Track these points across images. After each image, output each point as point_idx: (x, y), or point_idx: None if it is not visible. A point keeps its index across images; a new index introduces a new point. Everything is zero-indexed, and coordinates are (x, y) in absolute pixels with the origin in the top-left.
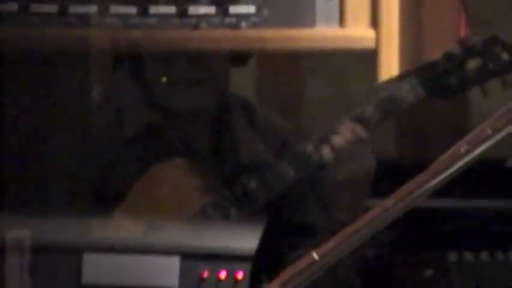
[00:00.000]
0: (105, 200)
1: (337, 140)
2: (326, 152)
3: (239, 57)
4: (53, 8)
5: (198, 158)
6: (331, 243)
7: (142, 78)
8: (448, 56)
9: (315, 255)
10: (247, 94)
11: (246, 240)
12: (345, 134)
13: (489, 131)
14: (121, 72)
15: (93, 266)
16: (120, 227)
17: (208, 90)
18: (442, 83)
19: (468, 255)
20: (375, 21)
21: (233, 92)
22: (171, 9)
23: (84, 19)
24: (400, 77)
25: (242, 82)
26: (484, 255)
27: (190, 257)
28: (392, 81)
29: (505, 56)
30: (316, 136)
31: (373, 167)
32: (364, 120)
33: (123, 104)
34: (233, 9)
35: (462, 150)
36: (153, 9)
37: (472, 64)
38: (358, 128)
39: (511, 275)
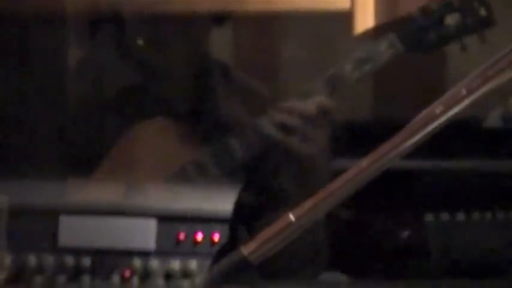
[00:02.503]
0: (84, 163)
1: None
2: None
3: (218, 19)
4: None
5: (177, 118)
6: (307, 204)
7: (123, 41)
8: (426, 12)
9: (291, 217)
10: (225, 56)
11: (223, 202)
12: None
13: (464, 92)
14: (101, 35)
15: (70, 228)
16: (98, 189)
17: (187, 51)
18: (420, 38)
19: (444, 216)
20: None
21: (211, 54)
22: None
23: None
24: (377, 33)
25: (219, 44)
26: (460, 215)
27: (166, 219)
28: (369, 38)
29: (482, 11)
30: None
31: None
32: (343, 78)
33: (103, 67)
34: None
35: (437, 111)
36: None
37: (451, 19)
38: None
39: (486, 234)
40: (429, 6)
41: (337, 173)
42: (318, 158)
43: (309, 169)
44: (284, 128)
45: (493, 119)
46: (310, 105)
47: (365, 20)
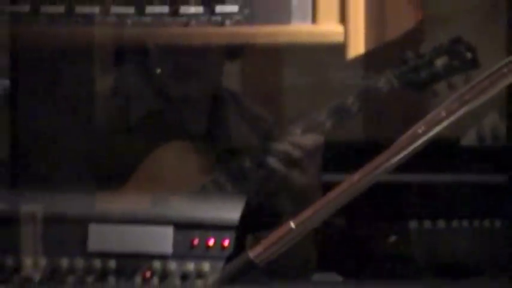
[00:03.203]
0: (111, 179)
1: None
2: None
3: (232, 52)
4: (60, 9)
5: (195, 142)
6: (306, 213)
7: (146, 71)
8: (418, 54)
9: (292, 224)
10: (235, 86)
11: (232, 212)
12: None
13: (443, 113)
14: (126, 65)
15: (97, 235)
16: (122, 201)
17: (203, 81)
18: (413, 77)
19: (427, 223)
20: (343, 18)
21: (224, 84)
22: (165, 9)
23: (88, 19)
24: (366, 61)
25: (231, 75)
26: (441, 223)
27: (182, 226)
28: (370, 75)
29: (468, 55)
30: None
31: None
32: (346, 109)
33: (129, 93)
34: (219, 8)
35: (419, 130)
36: (149, 9)
37: (440, 61)
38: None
39: (464, 240)
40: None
41: (331, 186)
42: (312, 186)
43: (304, 194)
44: (288, 158)
45: (469, 138)
46: (309, 141)
47: (356, 50)
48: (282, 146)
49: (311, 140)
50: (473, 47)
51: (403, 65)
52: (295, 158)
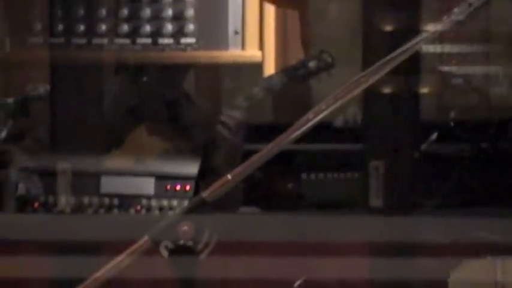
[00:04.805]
0: (113, 145)
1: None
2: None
3: (188, 69)
4: (82, 41)
5: (161, 124)
6: (238, 169)
7: (136, 79)
8: (300, 61)
9: (229, 176)
10: (189, 88)
11: (192, 167)
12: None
13: (324, 106)
14: (123, 75)
15: (106, 183)
16: (122, 161)
17: (172, 85)
18: (296, 75)
19: (312, 175)
20: (261, 47)
21: (182, 87)
22: (149, 41)
23: (100, 46)
24: (276, 73)
25: (187, 82)
26: (329, 175)
27: (159, 177)
28: (271, 75)
29: (329, 59)
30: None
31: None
32: (253, 97)
33: (125, 93)
34: (183, 40)
35: (310, 116)
36: (138, 40)
37: (311, 64)
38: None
39: (345, 188)
40: (301, 58)
41: (253, 152)
42: (238, 146)
43: (233, 151)
44: (225, 125)
45: (339, 121)
46: (237, 114)
47: (269, 69)
48: (223, 118)
49: (238, 114)
50: (332, 55)
51: (290, 67)
52: (230, 125)
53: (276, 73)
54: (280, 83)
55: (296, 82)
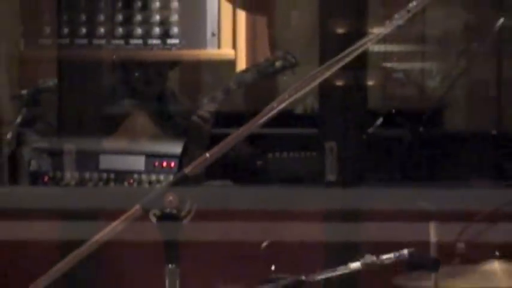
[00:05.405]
0: (112, 129)
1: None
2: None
3: (172, 65)
4: (84, 41)
5: (151, 113)
6: (215, 149)
7: (129, 75)
8: (268, 60)
9: (207, 154)
10: (173, 85)
11: (177, 147)
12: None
13: (286, 96)
14: (119, 71)
15: (105, 160)
16: (117, 142)
17: (159, 81)
18: (266, 72)
19: (280, 154)
20: (234, 45)
21: (167, 84)
22: (140, 41)
23: (99, 46)
24: (247, 69)
25: (171, 79)
26: (291, 154)
27: (149, 155)
28: (243, 71)
29: (292, 59)
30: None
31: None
32: (228, 91)
33: (121, 89)
34: (168, 41)
35: (274, 105)
36: (131, 41)
37: (278, 63)
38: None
39: (304, 165)
40: (269, 57)
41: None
42: (208, 132)
43: (205, 137)
44: (200, 117)
45: (299, 109)
46: (211, 107)
47: (241, 65)
48: (198, 111)
49: (212, 107)
50: (295, 55)
51: (260, 64)
52: (205, 116)
53: (247, 69)
54: (251, 78)
55: (265, 78)
